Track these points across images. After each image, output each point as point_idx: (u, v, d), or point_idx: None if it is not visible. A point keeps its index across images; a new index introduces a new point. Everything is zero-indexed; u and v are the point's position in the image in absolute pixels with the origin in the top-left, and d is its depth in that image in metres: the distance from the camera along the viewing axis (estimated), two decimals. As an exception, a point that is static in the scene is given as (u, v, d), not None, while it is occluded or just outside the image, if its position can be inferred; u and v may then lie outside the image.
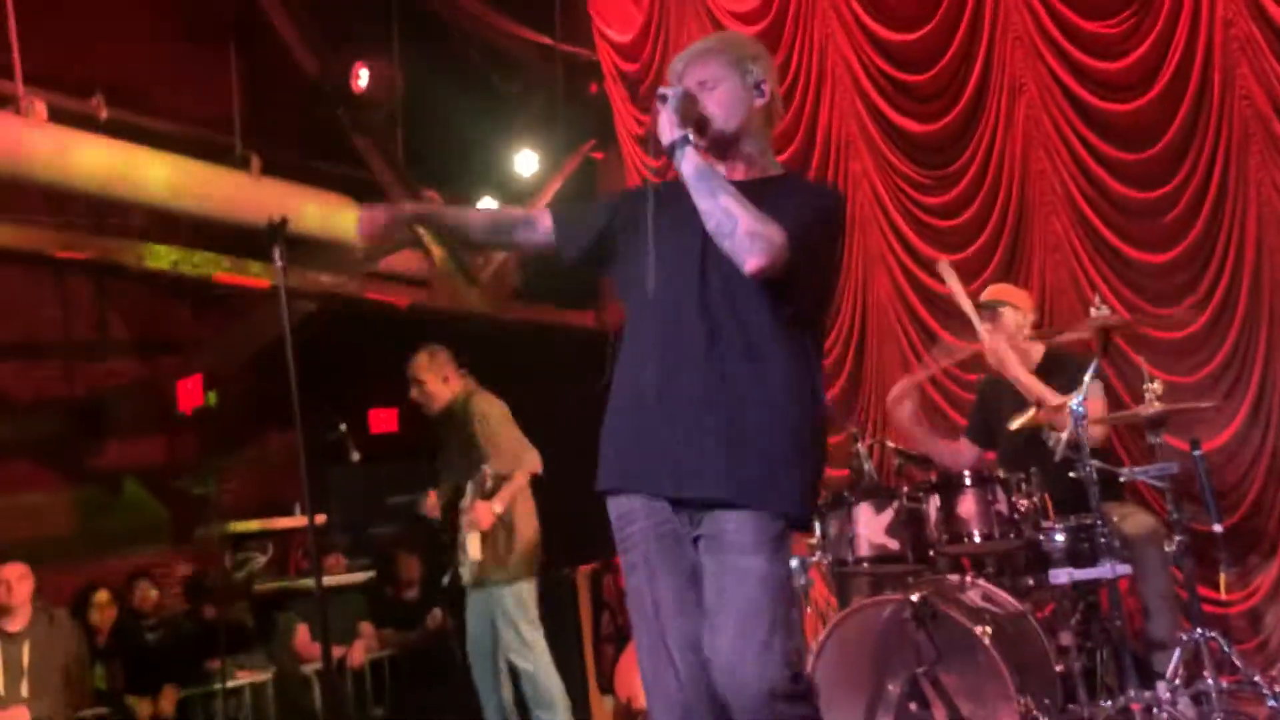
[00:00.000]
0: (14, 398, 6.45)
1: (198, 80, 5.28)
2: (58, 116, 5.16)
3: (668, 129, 2.30)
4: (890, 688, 3.65)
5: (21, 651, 5.02)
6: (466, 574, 4.60)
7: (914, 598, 3.49)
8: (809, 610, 4.68)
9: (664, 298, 2.32)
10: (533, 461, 4.66)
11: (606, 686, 5.71)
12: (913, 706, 3.51)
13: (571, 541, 6.21)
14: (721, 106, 2.40)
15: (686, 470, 2.26)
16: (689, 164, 2.28)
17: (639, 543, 2.35)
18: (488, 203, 6.74)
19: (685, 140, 2.29)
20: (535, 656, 4.55)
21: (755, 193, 2.29)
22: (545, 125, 6.83)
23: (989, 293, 4.35)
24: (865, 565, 3.86)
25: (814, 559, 4.29)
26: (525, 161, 6.82)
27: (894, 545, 3.80)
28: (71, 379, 6.66)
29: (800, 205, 2.31)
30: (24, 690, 4.97)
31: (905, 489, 3.85)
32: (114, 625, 5.76)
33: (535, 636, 4.58)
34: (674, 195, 2.37)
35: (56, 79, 5.55)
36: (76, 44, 6.15)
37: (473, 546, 4.50)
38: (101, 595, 5.77)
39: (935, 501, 3.78)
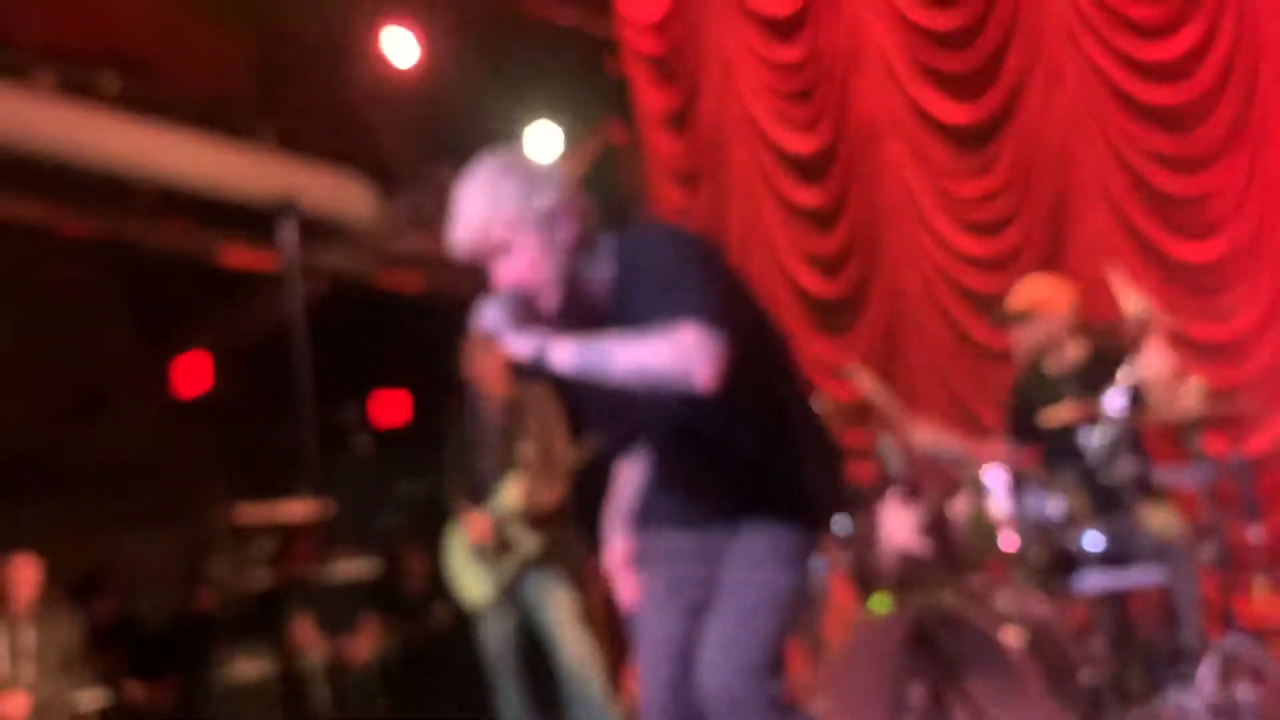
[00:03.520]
0: (17, 376, 6.37)
1: (211, 53, 5.14)
2: (67, 89, 5.06)
3: (521, 352, 2.06)
4: (914, 692, 3.55)
5: (24, 637, 5.02)
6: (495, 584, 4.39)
7: (940, 600, 3.36)
8: (830, 612, 4.56)
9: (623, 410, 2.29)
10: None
11: (616, 686, 5.58)
12: (937, 712, 3.40)
13: (581, 538, 6.11)
14: (536, 283, 2.14)
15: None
16: (563, 363, 2.05)
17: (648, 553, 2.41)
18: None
19: (539, 352, 2.05)
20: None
21: (621, 308, 2.13)
22: (563, 105, 6.71)
23: (1019, 299, 4.02)
24: (890, 566, 3.74)
25: (836, 559, 4.18)
26: (543, 142, 6.68)
27: (920, 546, 3.68)
28: (75, 359, 6.58)
29: (668, 282, 2.09)
30: (26, 675, 4.96)
31: (933, 488, 3.72)
32: (116, 612, 5.72)
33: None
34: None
35: (66, 50, 5.46)
36: (87, 15, 6.06)
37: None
38: (103, 582, 5.73)
39: (963, 502, 3.64)
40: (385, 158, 5.76)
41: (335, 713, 5.71)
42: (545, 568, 4.37)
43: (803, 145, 5.81)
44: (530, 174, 2.18)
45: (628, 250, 2.21)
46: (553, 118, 6.66)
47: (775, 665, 2.18)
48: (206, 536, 6.34)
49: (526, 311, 2.12)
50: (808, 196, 5.83)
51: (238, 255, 5.69)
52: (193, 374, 5.73)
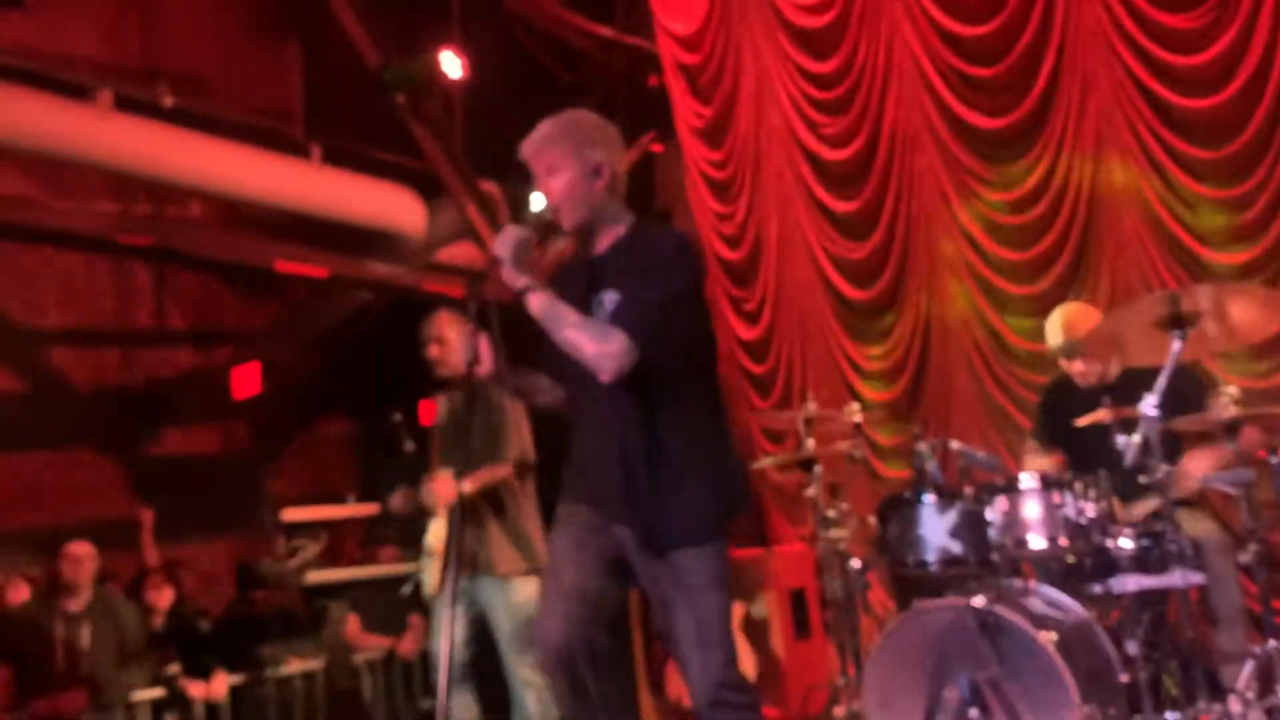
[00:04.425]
0: (74, 384, 6.55)
1: (261, 70, 5.30)
2: (124, 104, 5.21)
3: (512, 282, 2.61)
4: (949, 693, 3.57)
5: (81, 632, 5.09)
6: (428, 581, 4.23)
7: (976, 602, 3.40)
8: (866, 613, 4.60)
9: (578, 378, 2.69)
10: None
11: (656, 686, 5.66)
12: (973, 713, 3.43)
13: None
14: (562, 199, 2.69)
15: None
16: (533, 308, 2.62)
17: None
18: (541, 198, 6.71)
19: (527, 289, 2.61)
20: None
21: (611, 265, 2.70)
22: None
23: (1067, 328, 4.08)
24: (926, 568, 3.77)
25: (872, 560, 4.22)
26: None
27: (956, 548, 3.71)
28: (131, 366, 6.75)
29: (644, 280, 2.61)
30: (83, 669, 5.03)
31: (969, 490, 3.75)
32: (169, 610, 5.82)
33: None
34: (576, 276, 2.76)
35: (123, 67, 5.63)
36: (143, 34, 6.24)
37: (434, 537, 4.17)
38: (157, 579, 5.83)
39: (1000, 504, 3.68)
40: (430, 170, 5.86)
41: (384, 710, 5.80)
42: (492, 570, 4.09)
43: (838, 154, 5.87)
44: (599, 132, 2.76)
45: (643, 231, 2.78)
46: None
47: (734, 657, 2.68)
48: (258, 536, 6.47)
49: (530, 255, 2.62)
50: (843, 204, 5.90)
51: (289, 264, 5.82)
52: (246, 380, 5.86)
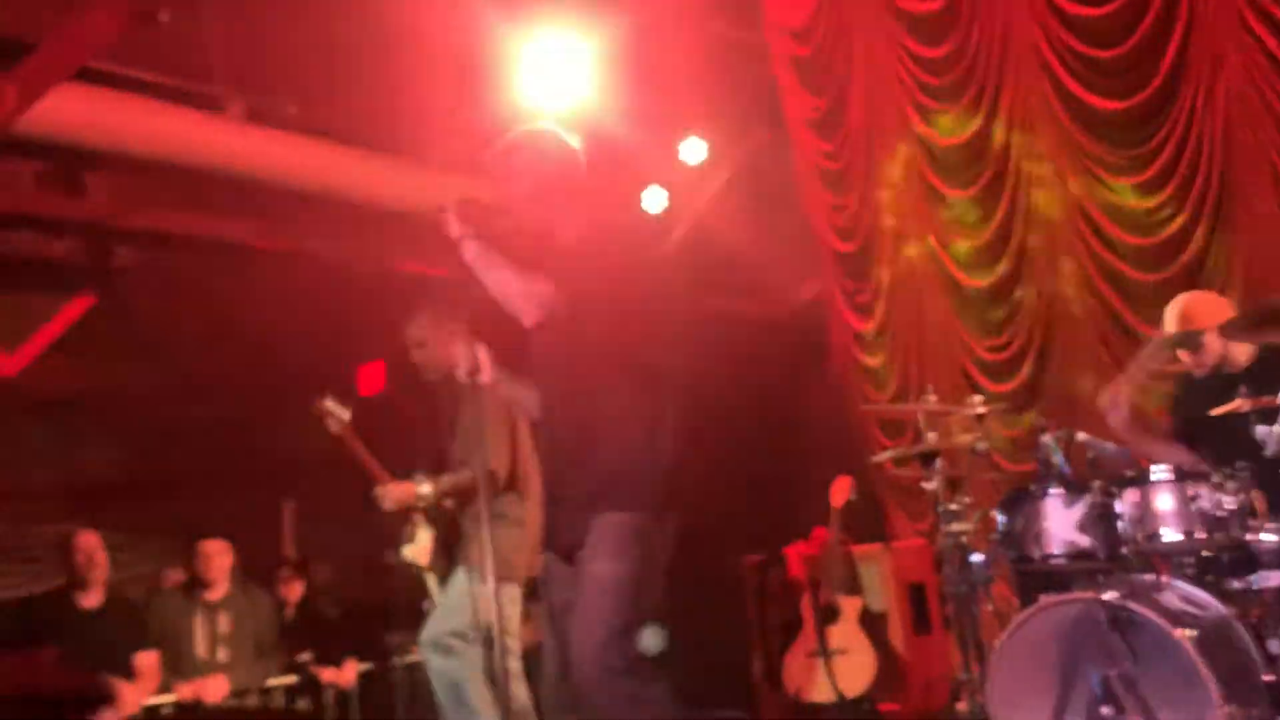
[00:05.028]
0: (207, 383, 6.85)
1: (378, 78, 5.44)
2: (255, 116, 5.44)
3: (452, 229, 2.76)
4: (1079, 691, 3.51)
5: (220, 621, 5.34)
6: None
7: (1108, 597, 3.33)
8: (988, 608, 4.53)
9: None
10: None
11: (774, 678, 5.66)
12: (1106, 711, 3.35)
13: (736, 534, 6.21)
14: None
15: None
16: (466, 255, 2.74)
17: None
18: (655, 193, 6.76)
19: (462, 239, 2.74)
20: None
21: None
22: (716, 110, 6.80)
23: (1183, 319, 3.96)
24: (1052, 562, 3.70)
25: (995, 555, 4.15)
26: (692, 150, 6.81)
27: (1084, 542, 3.64)
28: (261, 365, 7.02)
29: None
30: (222, 657, 5.28)
31: (1098, 483, 3.66)
32: (298, 602, 6.03)
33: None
34: None
35: (251, 80, 5.87)
36: (267, 49, 6.51)
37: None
38: (288, 574, 6.06)
39: (1131, 496, 3.59)
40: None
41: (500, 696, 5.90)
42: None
43: (953, 140, 5.77)
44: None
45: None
46: (704, 124, 6.77)
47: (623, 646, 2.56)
48: (385, 527, 6.65)
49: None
50: (959, 191, 5.80)
51: (408, 262, 5.99)
52: (371, 377, 6.04)
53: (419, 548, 4.17)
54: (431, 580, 4.28)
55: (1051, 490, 3.73)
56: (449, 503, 4.18)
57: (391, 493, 4.16)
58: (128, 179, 5.82)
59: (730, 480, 6.49)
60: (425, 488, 4.11)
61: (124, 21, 4.22)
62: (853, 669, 5.14)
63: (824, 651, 5.17)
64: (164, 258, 6.42)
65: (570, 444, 2.74)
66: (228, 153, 5.27)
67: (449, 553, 4.19)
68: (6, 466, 5.98)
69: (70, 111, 4.49)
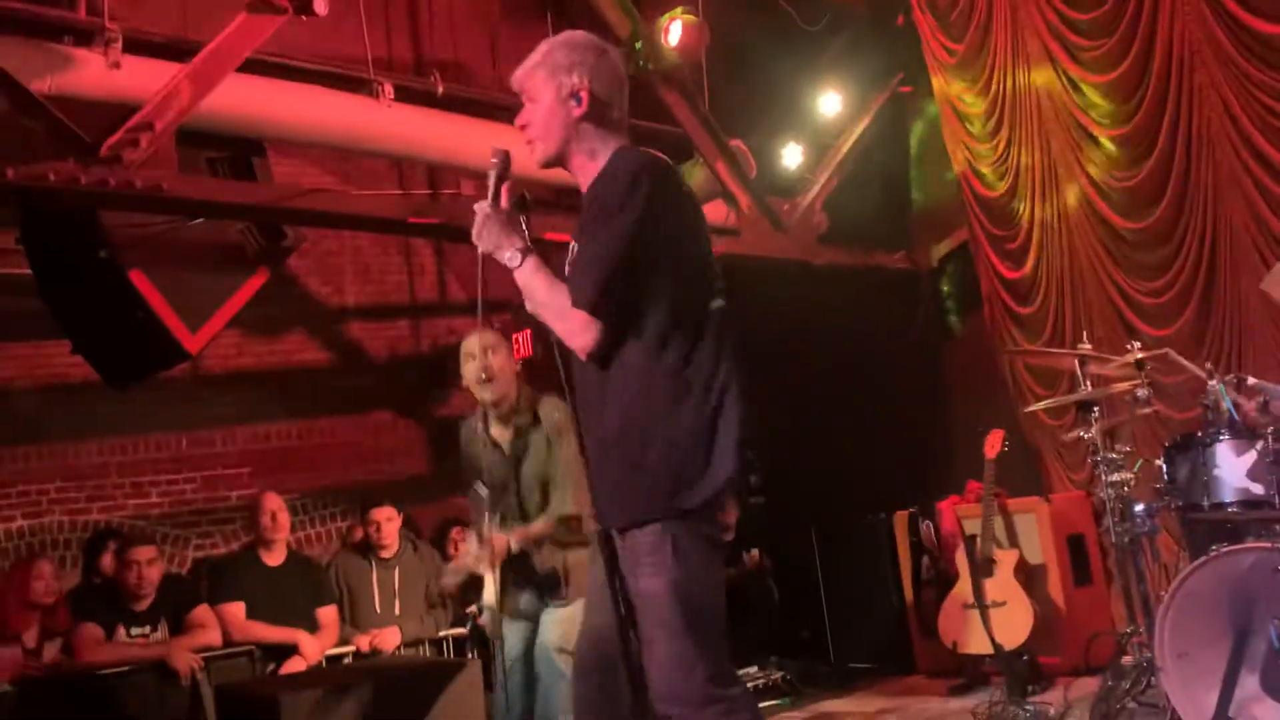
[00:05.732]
0: (371, 354, 7.20)
1: (517, 53, 5.57)
2: (403, 95, 5.64)
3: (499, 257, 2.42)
4: (1256, 642, 3.42)
5: (393, 576, 5.64)
6: (488, 618, 3.96)
7: (1283, 545, 3.23)
8: (1151, 559, 4.42)
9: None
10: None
11: (930, 630, 5.65)
12: (1282, 664, 3.26)
13: (888, 487, 6.19)
14: (538, 129, 2.48)
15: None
16: (516, 275, 2.40)
17: None
18: (792, 150, 6.73)
19: (515, 256, 2.39)
20: None
21: (584, 209, 2.44)
22: (850, 63, 6.70)
23: None
24: (1223, 511, 3.60)
25: (1159, 505, 4.05)
26: (830, 103, 6.74)
27: (1258, 489, 3.54)
28: (418, 336, 7.34)
29: (591, 231, 2.37)
30: (396, 610, 5.58)
31: (1271, 428, 3.53)
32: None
33: None
34: None
35: (400, 62, 6.09)
36: (411, 30, 6.78)
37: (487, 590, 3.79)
38: (455, 531, 6.33)
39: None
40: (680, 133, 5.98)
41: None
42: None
43: (1104, 77, 5.55)
44: (578, 53, 2.48)
45: (610, 164, 2.46)
46: (842, 74, 6.69)
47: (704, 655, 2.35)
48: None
49: (506, 224, 2.40)
50: (1112, 130, 5.58)
51: (554, 234, 6.12)
52: (518, 345, 6.24)
53: (490, 592, 3.81)
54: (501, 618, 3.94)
55: (1221, 437, 3.62)
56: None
57: (497, 550, 3.76)
58: (293, 163, 6.18)
59: (884, 437, 6.47)
60: (513, 541, 3.77)
61: (285, 15, 4.46)
62: (1010, 621, 5.10)
63: (980, 604, 5.13)
64: (329, 236, 6.77)
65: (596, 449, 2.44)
66: (384, 134, 5.49)
67: (507, 587, 3.88)
68: (199, 438, 6.46)
69: (239, 101, 4.76)
